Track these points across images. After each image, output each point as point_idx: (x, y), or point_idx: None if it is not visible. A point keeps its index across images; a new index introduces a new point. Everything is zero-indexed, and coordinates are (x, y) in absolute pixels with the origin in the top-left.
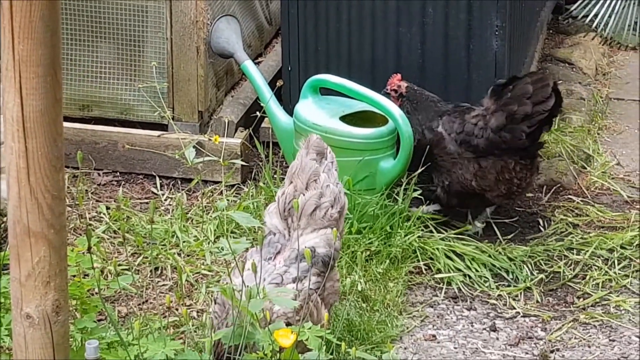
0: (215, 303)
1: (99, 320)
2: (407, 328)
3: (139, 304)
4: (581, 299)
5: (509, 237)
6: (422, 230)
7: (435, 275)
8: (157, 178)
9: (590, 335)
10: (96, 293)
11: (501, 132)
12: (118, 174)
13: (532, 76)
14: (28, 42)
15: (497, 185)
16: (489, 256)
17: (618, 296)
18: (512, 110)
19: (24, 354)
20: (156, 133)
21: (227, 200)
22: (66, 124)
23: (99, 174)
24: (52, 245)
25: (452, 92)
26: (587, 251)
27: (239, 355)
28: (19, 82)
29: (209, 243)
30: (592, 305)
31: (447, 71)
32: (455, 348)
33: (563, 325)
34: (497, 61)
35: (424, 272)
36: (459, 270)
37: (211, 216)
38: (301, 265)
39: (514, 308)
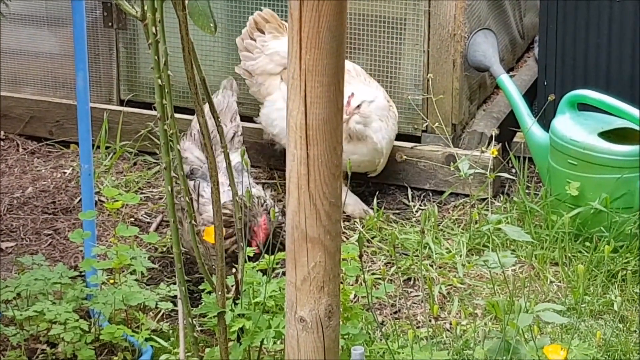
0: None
1: None
2: None
3: (392, 313)
4: None
5: None
6: None
7: None
8: (409, 189)
9: None
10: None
11: None
12: (370, 184)
13: None
14: (315, 51)
15: None
16: None
17: None
18: None
19: (296, 355)
20: (409, 144)
21: (479, 213)
22: None
23: (352, 184)
24: (328, 251)
25: None
26: None
27: None
28: (304, 91)
29: (461, 256)
30: None
31: None
32: None
33: None
34: None
35: None
36: None
37: (462, 229)
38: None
39: None
